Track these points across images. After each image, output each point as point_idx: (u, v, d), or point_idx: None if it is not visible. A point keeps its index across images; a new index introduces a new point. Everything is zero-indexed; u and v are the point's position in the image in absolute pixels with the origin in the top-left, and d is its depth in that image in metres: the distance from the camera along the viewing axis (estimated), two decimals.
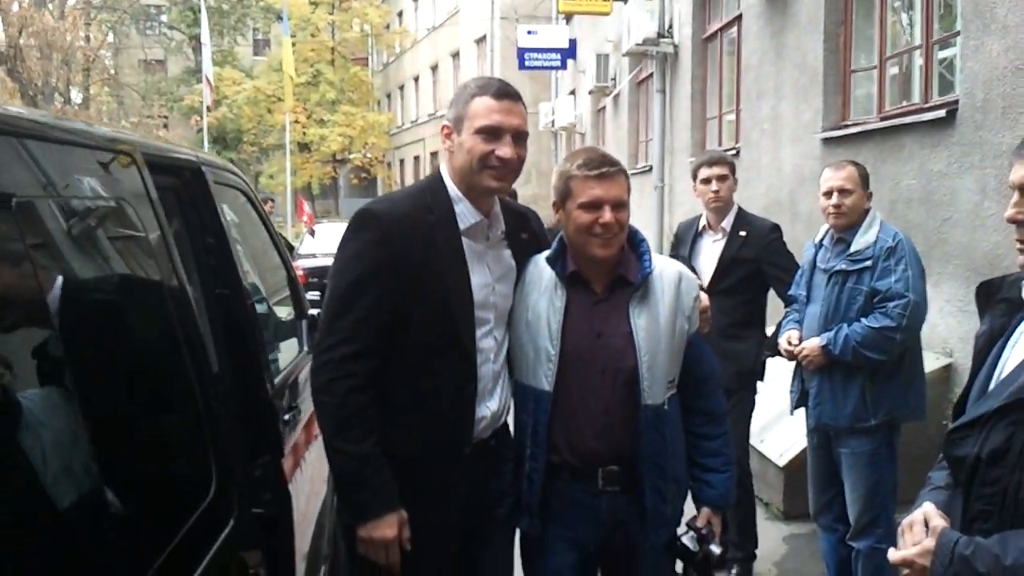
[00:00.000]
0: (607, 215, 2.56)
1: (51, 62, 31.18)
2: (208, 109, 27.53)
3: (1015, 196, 1.83)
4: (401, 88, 41.76)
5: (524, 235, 2.79)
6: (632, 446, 2.62)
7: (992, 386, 1.89)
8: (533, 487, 2.68)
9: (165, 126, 38.35)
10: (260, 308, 3.59)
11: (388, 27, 39.54)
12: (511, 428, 2.82)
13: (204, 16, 25.45)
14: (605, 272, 2.68)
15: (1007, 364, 1.89)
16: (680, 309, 2.68)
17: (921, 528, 1.85)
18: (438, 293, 2.51)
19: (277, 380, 3.12)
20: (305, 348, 3.81)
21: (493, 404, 2.66)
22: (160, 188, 2.61)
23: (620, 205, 2.59)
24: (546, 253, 2.76)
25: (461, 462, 2.60)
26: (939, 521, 1.83)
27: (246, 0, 38.60)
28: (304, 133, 34.53)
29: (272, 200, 16.70)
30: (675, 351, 2.67)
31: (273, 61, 35.37)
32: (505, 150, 2.51)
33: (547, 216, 3.10)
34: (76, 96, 35.90)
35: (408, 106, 40.94)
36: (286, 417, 3.06)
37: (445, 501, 2.60)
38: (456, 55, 33.66)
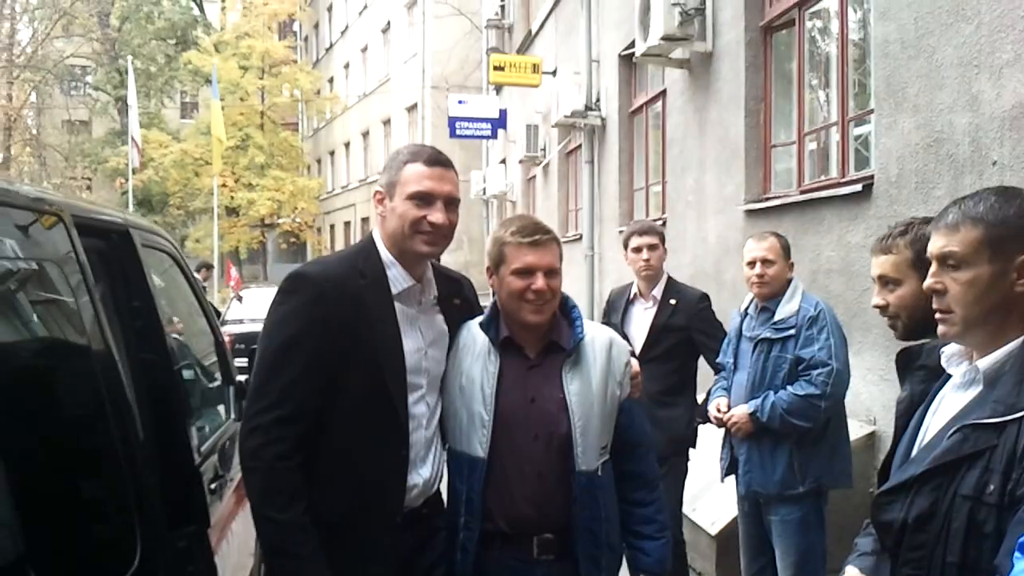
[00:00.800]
0: (539, 282, 2.59)
1: None
2: (134, 171, 27.13)
3: (933, 266, 1.89)
4: (332, 153, 41.78)
5: (457, 301, 2.80)
6: (566, 513, 2.61)
7: (915, 452, 1.92)
8: (467, 556, 2.64)
9: (89, 188, 37.69)
10: (187, 374, 3.52)
11: (319, 93, 39.63)
12: (443, 497, 2.78)
13: (131, 77, 25.15)
14: (538, 338, 2.69)
15: (928, 430, 1.93)
16: (612, 374, 2.70)
17: None
18: (370, 356, 2.49)
19: (204, 447, 3.07)
20: (232, 416, 3.74)
21: (425, 471, 2.63)
22: (87, 250, 2.58)
23: (552, 272, 2.62)
24: (479, 319, 2.77)
25: (392, 530, 2.55)
26: None
27: (174, 63, 38.39)
28: (232, 197, 34.17)
29: (210, 267, 16.46)
30: (607, 416, 2.68)
31: (201, 124, 35.12)
32: (437, 215, 2.53)
33: (480, 283, 3.12)
34: None
35: (339, 171, 40.95)
36: (212, 486, 3.00)
37: (375, 569, 2.54)
38: (387, 122, 33.85)
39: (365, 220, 36.31)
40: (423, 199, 2.53)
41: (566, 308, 2.76)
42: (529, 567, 2.62)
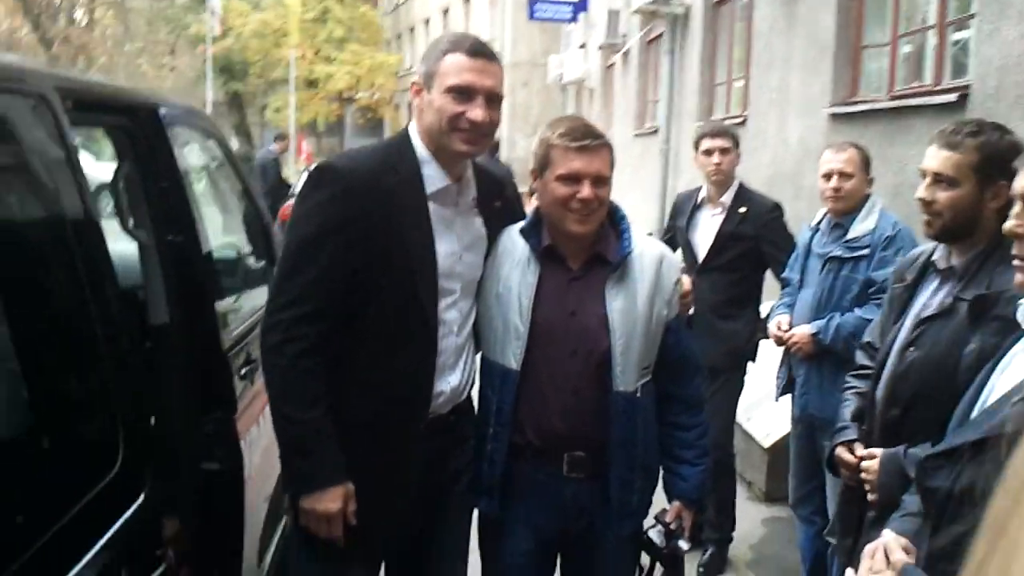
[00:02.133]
0: (586, 190, 2.39)
1: None
2: (214, 40, 27.14)
3: (1017, 207, 1.67)
4: (411, 30, 41.23)
5: (498, 203, 2.62)
6: (600, 432, 2.48)
7: (975, 413, 1.76)
8: (494, 467, 2.55)
9: (172, 52, 37.83)
10: (226, 254, 3.44)
11: None
12: (475, 404, 2.67)
13: None
14: (582, 249, 2.51)
15: (993, 391, 1.76)
16: (660, 292, 2.52)
17: (882, 558, 1.70)
18: (399, 259, 2.35)
19: (237, 331, 2.99)
20: None
21: (454, 378, 2.51)
22: (112, 128, 2.47)
23: (601, 180, 2.42)
24: (520, 224, 2.59)
25: (417, 435, 2.45)
26: (900, 555, 1.68)
27: None
28: (311, 70, 34.11)
29: (285, 137, 16.51)
30: (652, 336, 2.52)
31: None
32: (477, 112, 2.32)
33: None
34: (80, 16, 35.33)
35: (417, 48, 40.38)
36: (243, 371, 2.92)
37: (398, 474, 2.46)
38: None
39: None
40: (463, 93, 2.32)
41: (615, 219, 2.57)
42: (558, 483, 2.52)
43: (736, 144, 4.56)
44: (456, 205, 2.49)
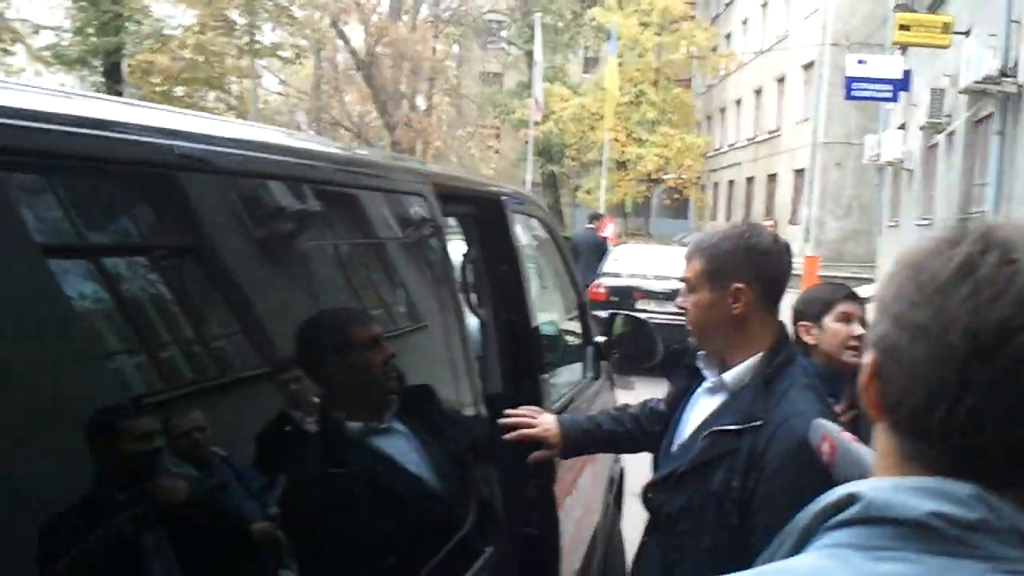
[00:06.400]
0: None
1: (401, 71, 34.13)
2: (535, 124, 28.68)
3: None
4: (722, 111, 41.38)
5: None
6: None
7: (674, 447, 2.18)
8: None
9: (497, 136, 40.49)
10: (547, 330, 3.74)
11: (715, 49, 39.27)
12: None
13: (538, 32, 26.40)
14: None
15: (689, 425, 2.17)
16: None
17: None
18: None
19: (557, 403, 3.24)
20: (590, 374, 3.94)
21: None
22: (464, 218, 2.85)
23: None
24: None
25: None
26: None
27: (579, 19, 39.77)
28: (622, 151, 35.00)
29: (601, 217, 17.07)
30: None
31: (600, 79, 36.20)
32: None
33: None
34: (420, 102, 38.84)
35: (727, 129, 40.49)
36: None
37: None
38: (782, 80, 32.88)
39: (749, 180, 35.66)
40: None
41: None
42: None
43: None
44: None
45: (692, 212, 41.97)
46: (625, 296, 11.88)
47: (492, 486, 2.33)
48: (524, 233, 3.46)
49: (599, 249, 14.24)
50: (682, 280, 2.18)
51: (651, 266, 12.72)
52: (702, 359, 2.19)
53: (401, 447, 1.89)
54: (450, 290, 2.15)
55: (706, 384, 2.18)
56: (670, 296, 10.61)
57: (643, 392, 3.50)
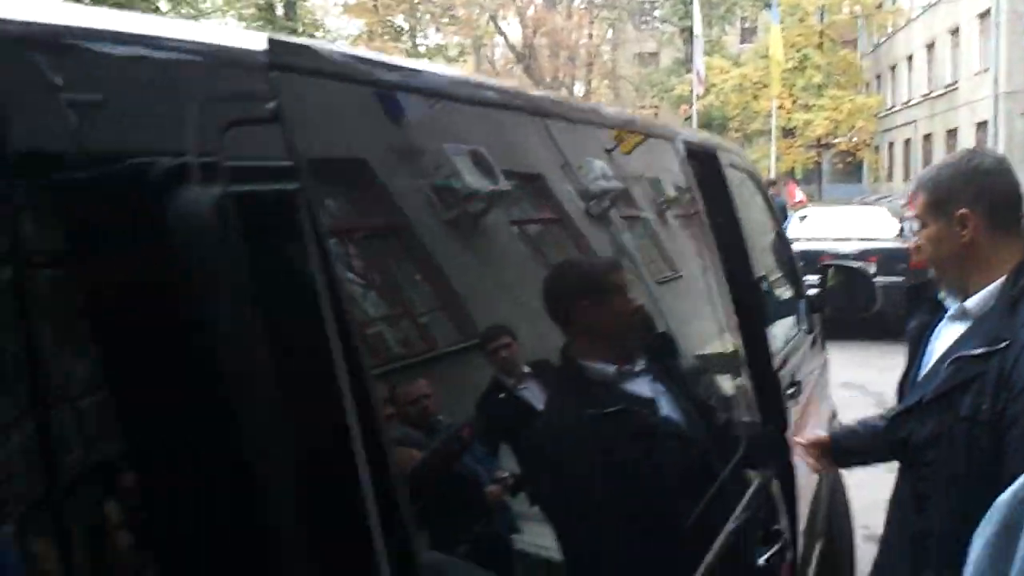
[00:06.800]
0: None
1: (558, 59, 34.36)
2: (697, 98, 28.32)
3: None
4: (892, 68, 39.61)
5: None
6: None
7: (920, 377, 2.17)
8: None
9: (655, 115, 40.18)
10: (763, 286, 3.74)
11: (880, 6, 37.59)
12: None
13: (696, 7, 26.06)
14: None
15: (933, 355, 2.16)
16: None
17: None
18: None
19: (780, 355, 3.25)
20: (804, 327, 3.91)
21: None
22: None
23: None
24: None
25: None
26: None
27: None
28: (789, 118, 34.07)
29: (775, 183, 16.80)
30: None
31: (760, 48, 35.27)
32: None
33: None
34: (578, 89, 38.99)
35: (899, 87, 38.72)
36: (789, 391, 3.18)
37: None
38: (955, 32, 31.20)
39: (927, 137, 34.01)
40: None
41: None
42: None
43: None
44: None
45: (866, 175, 40.34)
46: (811, 260, 11.57)
47: (743, 426, 2.41)
48: (741, 189, 3.49)
49: (780, 214, 13.98)
50: (913, 218, 2.17)
51: (834, 228, 12.44)
52: (944, 291, 2.19)
53: (659, 389, 1.95)
54: (705, 240, 2.23)
55: (949, 313, 2.16)
56: (857, 258, 10.31)
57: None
